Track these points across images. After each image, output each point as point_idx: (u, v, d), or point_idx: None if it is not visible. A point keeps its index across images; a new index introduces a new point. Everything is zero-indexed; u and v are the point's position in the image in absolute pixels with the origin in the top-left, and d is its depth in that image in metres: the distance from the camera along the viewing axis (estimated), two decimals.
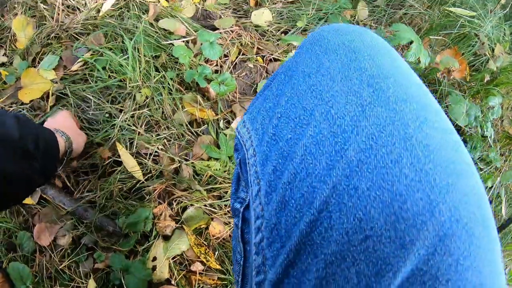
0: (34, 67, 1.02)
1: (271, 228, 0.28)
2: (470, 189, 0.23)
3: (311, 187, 0.25)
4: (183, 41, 0.93)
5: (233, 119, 0.92)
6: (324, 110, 0.27)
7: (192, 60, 0.91)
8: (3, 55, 1.12)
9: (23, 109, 0.96)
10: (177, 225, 0.79)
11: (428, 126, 0.24)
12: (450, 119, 1.09)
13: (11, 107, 0.99)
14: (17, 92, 1.00)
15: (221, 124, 0.90)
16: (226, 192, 0.85)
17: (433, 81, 1.16)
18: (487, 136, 1.13)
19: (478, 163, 1.15)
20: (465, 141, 1.12)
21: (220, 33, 1.01)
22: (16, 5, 1.15)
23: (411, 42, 1.00)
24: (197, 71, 0.86)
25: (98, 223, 0.81)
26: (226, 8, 1.19)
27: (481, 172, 1.16)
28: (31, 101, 0.97)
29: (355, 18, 1.30)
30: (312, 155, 0.26)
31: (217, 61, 0.97)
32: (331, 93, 0.27)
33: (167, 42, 0.92)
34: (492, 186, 1.14)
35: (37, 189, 0.87)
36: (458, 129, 1.14)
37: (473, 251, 0.22)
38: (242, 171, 0.36)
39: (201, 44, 0.90)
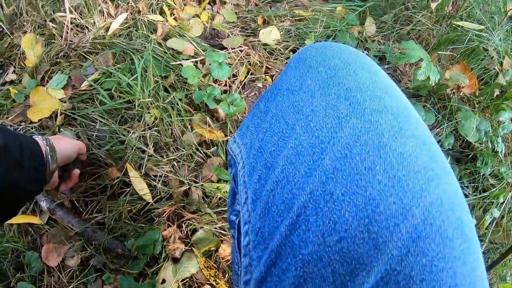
0: (43, 85, 1.07)
1: (256, 231, 0.32)
2: (443, 194, 0.26)
3: (291, 193, 0.29)
4: (192, 62, 0.98)
5: None
6: (304, 123, 0.31)
7: (201, 80, 0.96)
8: (12, 73, 1.18)
9: (32, 128, 1.01)
10: (187, 248, 0.83)
11: (403, 135, 0.27)
12: (460, 135, 1.13)
13: (20, 125, 1.04)
14: (26, 110, 1.05)
15: None
16: None
17: (442, 97, 1.20)
18: (498, 151, 1.17)
19: (490, 179, 1.18)
20: (475, 157, 1.15)
21: (229, 52, 1.06)
22: (25, 23, 1.21)
23: (421, 60, 1.04)
24: (206, 92, 0.91)
25: (107, 244, 0.85)
26: (234, 26, 1.24)
27: (493, 188, 1.19)
28: (40, 120, 1.02)
29: (362, 34, 1.35)
30: (292, 164, 0.30)
31: (226, 81, 1.02)
32: (311, 108, 0.32)
33: (176, 63, 0.97)
34: (503, 202, 1.17)
35: (46, 209, 0.91)
36: (469, 145, 1.17)
37: (447, 253, 0.24)
38: (235, 184, 0.41)
39: (210, 64, 0.95)
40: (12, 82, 1.16)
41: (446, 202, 0.25)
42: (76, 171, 0.77)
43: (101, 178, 0.91)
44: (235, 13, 1.31)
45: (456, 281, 0.23)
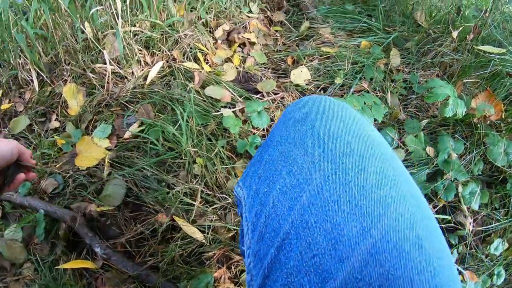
0: (88, 134, 1.27)
1: (255, 254, 0.48)
2: (401, 216, 0.35)
3: (278, 223, 0.44)
4: (232, 110, 1.16)
5: None
6: (288, 169, 0.46)
7: (241, 127, 1.14)
8: (55, 120, 1.38)
9: (80, 176, 1.19)
10: (236, 287, 0.99)
11: (365, 172, 0.40)
12: (489, 161, 1.27)
13: (68, 173, 1.22)
14: (72, 158, 1.24)
15: None
16: None
17: (469, 124, 1.35)
18: None
19: None
20: (506, 180, 1.29)
21: (263, 96, 1.25)
22: (64, 72, 1.42)
23: (448, 97, 1.20)
24: (248, 141, 1.09)
25: (161, 287, 1.01)
26: (266, 68, 1.43)
27: None
28: (87, 168, 1.20)
29: (388, 66, 1.53)
30: (279, 202, 0.45)
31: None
32: (293, 156, 0.47)
33: (218, 113, 1.15)
34: None
35: (100, 254, 1.08)
36: (498, 168, 1.31)
37: (403, 264, 0.32)
38: (242, 221, 0.57)
39: (249, 114, 1.13)
40: (56, 129, 1.36)
41: (403, 223, 0.35)
42: (21, 176, 0.76)
43: (151, 224, 1.09)
44: (265, 53, 1.51)
45: (413, 286, 0.32)
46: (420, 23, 1.70)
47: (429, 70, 1.56)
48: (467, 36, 1.41)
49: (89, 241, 1.07)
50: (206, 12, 1.55)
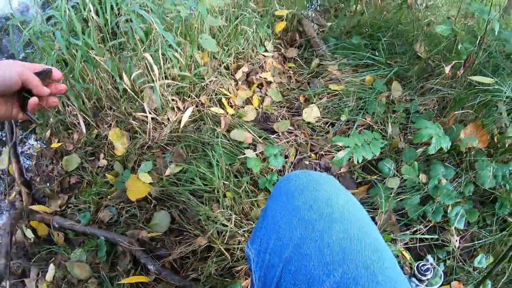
0: (134, 173, 1.64)
1: (262, 282, 0.73)
2: (360, 259, 0.56)
3: (273, 272, 0.66)
4: (254, 153, 1.52)
5: None
6: (277, 232, 0.71)
7: (261, 166, 1.50)
8: (103, 159, 1.77)
9: (132, 207, 1.57)
10: None
11: (333, 231, 0.63)
12: (478, 184, 1.57)
13: (119, 205, 1.60)
14: (122, 192, 1.62)
15: None
16: None
17: (460, 152, 1.66)
18: None
19: (509, 218, 1.60)
20: (495, 200, 1.59)
21: (279, 135, 1.60)
22: (108, 117, 1.81)
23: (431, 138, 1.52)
24: (267, 179, 1.45)
25: None
26: (281, 106, 1.79)
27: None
28: (137, 200, 1.57)
29: (390, 98, 1.86)
30: (272, 257, 0.68)
31: None
32: (279, 223, 0.71)
33: (242, 156, 1.51)
34: None
35: (153, 270, 1.45)
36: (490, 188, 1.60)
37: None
38: (252, 273, 0.82)
39: (268, 156, 1.49)
40: (105, 167, 1.74)
41: (362, 263, 0.55)
42: (33, 100, 0.80)
43: (192, 245, 1.45)
44: (280, 92, 1.86)
45: None
46: (420, 54, 2.03)
47: (428, 98, 1.88)
48: (457, 71, 1.74)
49: (144, 261, 1.44)
50: (227, 56, 1.91)
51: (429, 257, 1.25)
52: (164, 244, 1.49)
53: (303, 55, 2.13)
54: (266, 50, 2.07)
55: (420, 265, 1.03)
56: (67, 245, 1.60)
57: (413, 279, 1.02)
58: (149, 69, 1.55)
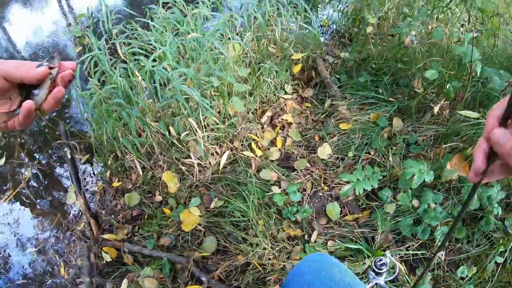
0: (186, 207, 2.25)
1: None
2: None
3: None
4: (279, 190, 2.10)
5: (312, 232, 2.06)
6: None
7: (284, 201, 2.08)
8: (158, 195, 2.39)
9: (186, 235, 2.17)
10: None
11: None
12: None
13: (176, 232, 2.21)
14: (177, 223, 2.23)
15: (306, 237, 2.05)
16: None
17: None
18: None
19: (493, 234, 2.11)
20: (481, 218, 2.10)
21: (300, 181, 2.18)
22: (160, 162, 2.43)
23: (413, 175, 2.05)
24: (289, 210, 2.03)
25: None
26: (300, 145, 2.36)
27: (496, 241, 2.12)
28: (190, 230, 2.18)
29: (392, 132, 2.40)
30: None
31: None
32: None
33: (270, 193, 2.10)
34: (505, 250, 2.11)
35: (205, 281, 2.05)
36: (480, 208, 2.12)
37: None
38: None
39: (289, 192, 2.07)
40: (160, 203, 2.36)
41: None
42: (28, 103, 0.68)
43: (234, 261, 2.04)
44: (299, 132, 2.44)
45: None
46: (417, 90, 2.55)
47: (425, 130, 2.41)
48: (444, 111, 2.27)
49: (198, 274, 2.05)
50: (253, 103, 2.50)
51: (387, 253, 1.57)
52: (213, 261, 2.08)
53: (317, 95, 2.69)
54: (286, 93, 2.65)
55: (377, 260, 1.39)
56: (136, 265, 2.23)
57: (371, 272, 1.44)
58: (192, 128, 2.15)
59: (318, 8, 4.15)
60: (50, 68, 0.70)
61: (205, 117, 2.21)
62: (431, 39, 2.69)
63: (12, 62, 0.69)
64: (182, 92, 1.99)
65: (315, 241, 1.98)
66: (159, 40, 2.26)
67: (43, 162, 3.03)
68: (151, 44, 2.31)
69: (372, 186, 2.05)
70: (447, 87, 2.33)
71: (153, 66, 1.94)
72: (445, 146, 2.22)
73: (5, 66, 0.68)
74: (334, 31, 3.74)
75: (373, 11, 2.83)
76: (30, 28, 4.48)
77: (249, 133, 2.34)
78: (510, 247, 2.06)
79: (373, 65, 2.79)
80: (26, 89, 0.70)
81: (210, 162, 2.27)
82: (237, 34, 2.58)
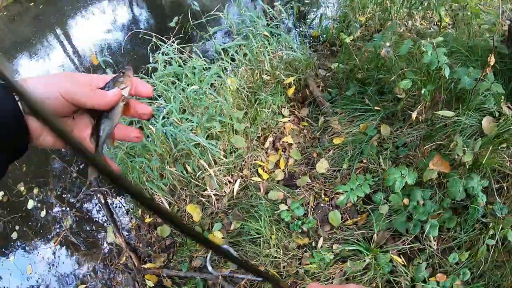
0: (210, 232, 2.65)
1: None
2: None
3: None
4: (285, 207, 2.48)
5: (318, 239, 2.43)
6: None
7: (290, 216, 2.46)
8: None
9: (212, 256, 2.57)
10: None
11: None
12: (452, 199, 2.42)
13: (205, 254, 2.62)
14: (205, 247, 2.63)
15: (313, 244, 2.42)
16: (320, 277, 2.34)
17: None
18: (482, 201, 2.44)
19: (483, 220, 2.43)
20: (467, 207, 2.43)
21: (303, 197, 2.55)
22: (183, 196, 2.84)
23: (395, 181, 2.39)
24: (295, 224, 2.40)
25: None
26: (300, 164, 2.74)
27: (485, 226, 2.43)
28: None
29: (381, 138, 2.74)
30: None
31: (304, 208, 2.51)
32: None
33: (278, 211, 2.48)
34: (494, 233, 2.43)
35: None
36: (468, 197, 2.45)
37: None
38: None
39: (293, 208, 2.44)
40: None
41: None
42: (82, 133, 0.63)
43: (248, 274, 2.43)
44: (299, 151, 2.81)
45: None
46: (399, 96, 2.88)
47: (414, 129, 2.75)
48: (420, 116, 2.60)
49: (226, 287, 2.45)
50: (255, 133, 2.88)
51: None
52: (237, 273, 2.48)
53: (312, 113, 3.06)
54: (283, 116, 3.03)
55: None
56: (175, 286, 2.64)
57: None
58: (204, 167, 2.55)
59: (307, 20, 4.55)
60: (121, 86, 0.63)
61: (215, 155, 2.61)
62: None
63: (62, 77, 0.59)
64: (191, 140, 2.40)
65: (321, 247, 2.35)
66: (164, 95, 2.67)
67: (81, 208, 3.50)
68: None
69: (364, 192, 2.41)
70: (422, 92, 2.66)
71: (163, 125, 2.35)
72: (426, 147, 2.56)
73: (61, 86, 0.57)
74: (326, 41, 4.09)
75: (351, 28, 3.18)
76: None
77: (255, 160, 2.73)
78: (500, 229, 2.36)
79: (359, 76, 3.14)
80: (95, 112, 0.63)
81: (225, 191, 2.67)
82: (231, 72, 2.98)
